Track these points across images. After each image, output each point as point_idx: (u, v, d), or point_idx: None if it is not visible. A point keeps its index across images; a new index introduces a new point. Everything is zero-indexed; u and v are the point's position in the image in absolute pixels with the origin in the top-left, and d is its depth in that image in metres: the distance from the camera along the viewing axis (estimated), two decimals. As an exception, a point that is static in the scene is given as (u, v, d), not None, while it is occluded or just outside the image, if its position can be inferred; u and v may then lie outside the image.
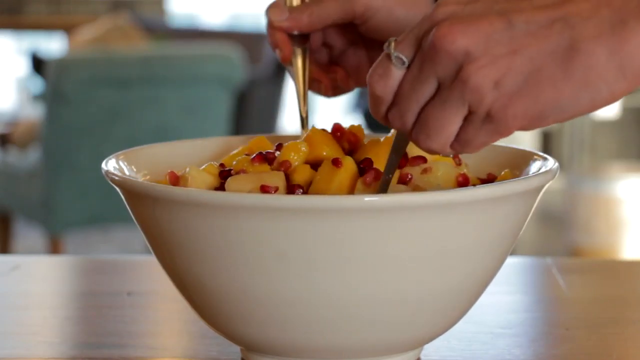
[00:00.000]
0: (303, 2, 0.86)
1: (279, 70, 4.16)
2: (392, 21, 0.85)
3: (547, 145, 4.82)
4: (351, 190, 0.71)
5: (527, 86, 0.62)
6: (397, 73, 0.64)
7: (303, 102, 0.86)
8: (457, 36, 0.61)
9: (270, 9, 0.86)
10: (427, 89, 0.63)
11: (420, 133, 0.64)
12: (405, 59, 0.64)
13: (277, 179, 0.71)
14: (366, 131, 0.84)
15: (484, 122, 0.63)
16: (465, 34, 0.61)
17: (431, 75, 0.63)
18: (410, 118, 0.64)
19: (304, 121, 0.85)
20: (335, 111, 6.34)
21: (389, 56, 0.64)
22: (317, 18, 0.85)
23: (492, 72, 0.61)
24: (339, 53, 0.90)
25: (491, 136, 0.64)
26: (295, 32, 0.86)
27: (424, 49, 0.63)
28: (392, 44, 0.64)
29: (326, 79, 0.89)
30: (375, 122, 4.89)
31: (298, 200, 0.64)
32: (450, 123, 0.63)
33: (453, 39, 0.61)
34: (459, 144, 0.64)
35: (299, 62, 0.87)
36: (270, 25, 0.86)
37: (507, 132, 0.63)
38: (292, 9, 0.86)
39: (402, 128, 0.65)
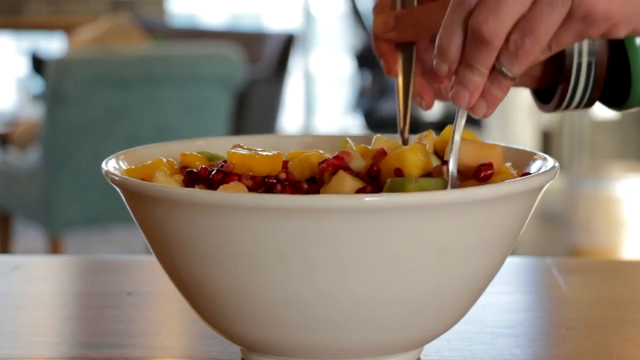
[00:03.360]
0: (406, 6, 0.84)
1: (279, 70, 4.16)
2: None
3: (547, 145, 4.82)
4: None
5: None
6: None
7: (403, 117, 0.83)
8: None
9: (375, 18, 0.85)
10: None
11: (525, 37, 0.67)
12: None
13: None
14: (366, 131, 0.84)
15: (577, 22, 0.68)
16: None
17: None
18: (506, 19, 0.67)
19: (403, 139, 0.83)
20: (336, 111, 6.34)
21: None
22: (424, 28, 0.84)
23: None
24: None
25: (579, 37, 0.69)
26: (402, 42, 0.85)
27: None
28: None
29: (429, 92, 0.87)
30: (375, 123, 4.89)
31: (298, 200, 0.64)
32: (555, 24, 0.67)
33: None
34: (555, 45, 0.69)
35: (401, 74, 0.85)
36: (376, 37, 0.85)
37: (593, 29, 0.68)
38: (397, 17, 0.84)
39: (492, 29, 0.67)
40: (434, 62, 0.70)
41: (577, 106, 0.88)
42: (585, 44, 0.84)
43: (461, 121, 0.72)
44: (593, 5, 0.67)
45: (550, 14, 0.67)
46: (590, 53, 0.84)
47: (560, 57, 0.85)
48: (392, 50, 0.85)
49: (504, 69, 0.69)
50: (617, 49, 0.85)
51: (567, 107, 0.87)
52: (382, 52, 0.86)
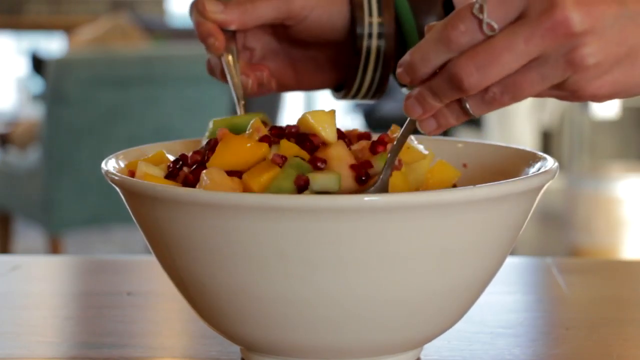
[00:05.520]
0: None
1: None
2: (326, 19, 0.86)
3: (547, 145, 4.82)
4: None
5: (620, 69, 0.66)
6: (479, 35, 0.64)
7: (241, 98, 0.84)
8: (583, 18, 0.63)
9: (204, 1, 0.85)
10: (526, 60, 0.64)
11: (505, 94, 0.65)
12: (496, 27, 0.64)
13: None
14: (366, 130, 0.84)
15: (562, 91, 0.67)
16: (588, 16, 0.63)
17: (538, 51, 0.64)
18: (493, 79, 0.65)
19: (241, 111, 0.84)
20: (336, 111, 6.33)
21: (477, 19, 0.64)
22: (250, 16, 0.84)
23: (599, 56, 0.64)
24: (259, 58, 0.89)
25: (555, 97, 0.68)
26: (227, 28, 0.85)
27: (538, 25, 0.63)
28: (485, 7, 0.64)
29: (253, 75, 0.87)
30: (375, 122, 4.89)
31: (298, 200, 0.64)
32: (541, 91, 0.66)
33: (579, 20, 0.63)
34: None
35: (231, 57, 0.85)
36: (203, 14, 0.84)
37: (576, 100, 0.69)
38: (226, 4, 0.84)
39: (474, 84, 0.65)
40: (399, 69, 0.68)
41: (366, 94, 0.88)
42: (375, 28, 0.85)
43: (409, 127, 0.71)
44: (584, 86, 0.66)
45: (540, 84, 0.65)
46: (379, 37, 0.85)
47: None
48: (219, 30, 0.85)
49: (468, 108, 0.67)
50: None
51: (356, 95, 0.88)
52: (210, 31, 0.84)
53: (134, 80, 3.20)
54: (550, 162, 0.75)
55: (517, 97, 0.66)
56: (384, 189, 0.71)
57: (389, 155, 0.72)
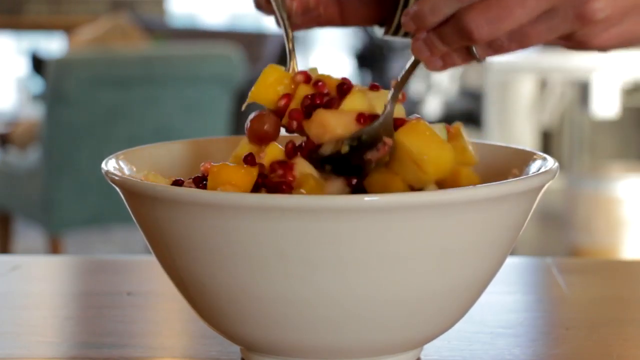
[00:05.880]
0: None
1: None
2: None
3: (547, 145, 4.82)
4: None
5: (630, 20, 0.66)
6: None
7: (290, 32, 0.82)
8: None
9: None
10: (536, 14, 0.65)
11: (513, 42, 0.67)
12: None
13: None
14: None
15: (570, 42, 0.68)
16: None
17: (549, 5, 0.65)
18: (503, 32, 0.66)
19: (291, 53, 0.82)
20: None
21: None
22: None
23: (608, 11, 0.65)
24: None
25: (562, 46, 0.69)
26: None
27: None
28: None
29: (298, 1, 0.85)
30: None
31: (298, 200, 0.64)
32: (547, 40, 0.67)
33: None
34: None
35: None
36: None
37: (582, 50, 0.70)
38: None
39: (484, 36, 0.66)
40: (405, 17, 0.69)
41: (407, 32, 0.88)
42: None
43: (414, 64, 0.72)
44: (592, 39, 0.67)
45: (547, 35, 0.66)
46: None
47: None
48: None
49: (475, 52, 0.69)
50: None
51: (396, 32, 0.88)
52: None
53: (134, 80, 3.20)
54: (550, 162, 0.75)
55: (523, 46, 0.67)
56: (388, 121, 0.72)
57: (392, 90, 0.73)
